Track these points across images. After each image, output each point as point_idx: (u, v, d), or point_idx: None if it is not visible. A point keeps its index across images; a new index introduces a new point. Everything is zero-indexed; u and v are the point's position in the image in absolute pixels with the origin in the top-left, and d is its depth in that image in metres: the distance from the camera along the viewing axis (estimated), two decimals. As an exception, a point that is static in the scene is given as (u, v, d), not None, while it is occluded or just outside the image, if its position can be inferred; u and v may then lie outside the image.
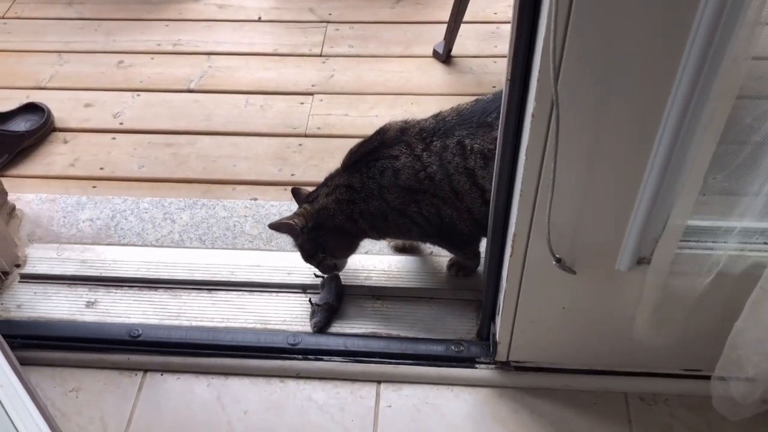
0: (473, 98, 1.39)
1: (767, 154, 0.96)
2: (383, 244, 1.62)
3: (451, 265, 1.54)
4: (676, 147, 0.92)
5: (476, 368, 1.39)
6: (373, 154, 1.36)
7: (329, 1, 2.40)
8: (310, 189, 1.46)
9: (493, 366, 1.38)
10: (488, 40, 2.20)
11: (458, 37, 2.12)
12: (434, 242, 1.49)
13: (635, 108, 0.91)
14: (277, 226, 1.40)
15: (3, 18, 2.35)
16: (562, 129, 0.91)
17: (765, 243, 1.08)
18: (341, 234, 1.41)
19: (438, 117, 1.36)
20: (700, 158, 0.94)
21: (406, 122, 1.38)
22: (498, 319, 1.32)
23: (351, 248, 1.47)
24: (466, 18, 2.07)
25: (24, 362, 1.37)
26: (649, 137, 0.93)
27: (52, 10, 2.38)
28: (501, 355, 1.36)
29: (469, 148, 1.29)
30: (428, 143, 1.32)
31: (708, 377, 1.16)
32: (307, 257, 1.45)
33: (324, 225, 1.39)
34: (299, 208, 1.43)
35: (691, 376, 1.33)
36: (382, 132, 1.38)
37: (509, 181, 1.10)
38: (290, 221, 1.39)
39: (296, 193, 1.48)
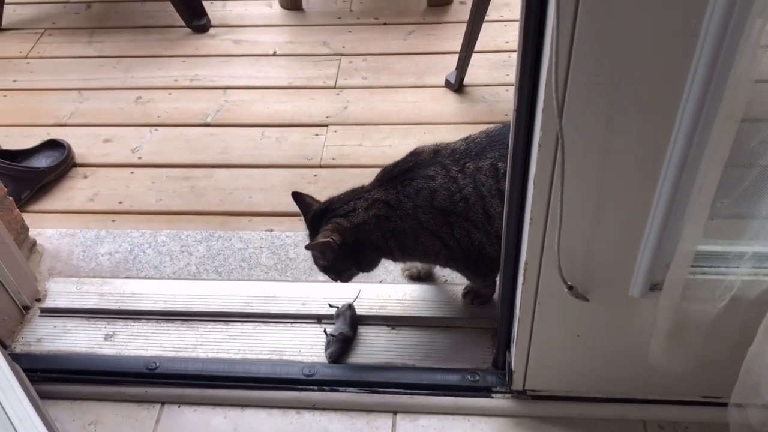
0: (485, 126, 1.40)
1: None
2: (398, 274, 1.62)
3: (467, 293, 1.54)
4: (684, 172, 0.92)
5: (492, 398, 1.38)
6: (408, 173, 1.34)
7: (343, 34, 2.44)
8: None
9: (509, 395, 1.38)
10: (500, 69, 2.22)
11: (470, 67, 2.14)
12: (457, 267, 1.46)
13: (642, 135, 0.92)
14: (314, 247, 1.34)
15: (26, 58, 2.41)
16: (568, 157, 0.92)
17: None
18: (374, 249, 1.38)
19: (468, 140, 1.36)
20: (707, 183, 0.94)
21: (438, 145, 1.37)
22: (513, 348, 1.31)
23: (376, 264, 1.43)
24: (477, 47, 2.10)
25: (43, 396, 1.39)
26: (657, 163, 0.94)
27: (73, 48, 2.44)
28: (517, 384, 1.35)
29: (502, 170, 1.29)
30: (462, 165, 1.32)
31: (727, 405, 1.14)
32: (338, 273, 1.40)
33: (362, 240, 1.35)
34: (331, 222, 1.34)
35: (710, 403, 1.31)
36: (415, 153, 1.37)
37: (519, 209, 1.11)
38: (329, 240, 1.31)
39: (299, 198, 1.43)
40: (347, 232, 1.33)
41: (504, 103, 2.10)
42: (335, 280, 1.44)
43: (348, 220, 1.35)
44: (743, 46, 0.80)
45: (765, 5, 0.76)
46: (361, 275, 1.63)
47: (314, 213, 1.40)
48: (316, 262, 1.43)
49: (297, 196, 1.44)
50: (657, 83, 0.87)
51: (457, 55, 2.13)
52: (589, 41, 0.83)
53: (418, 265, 1.60)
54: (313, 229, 1.39)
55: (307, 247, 1.36)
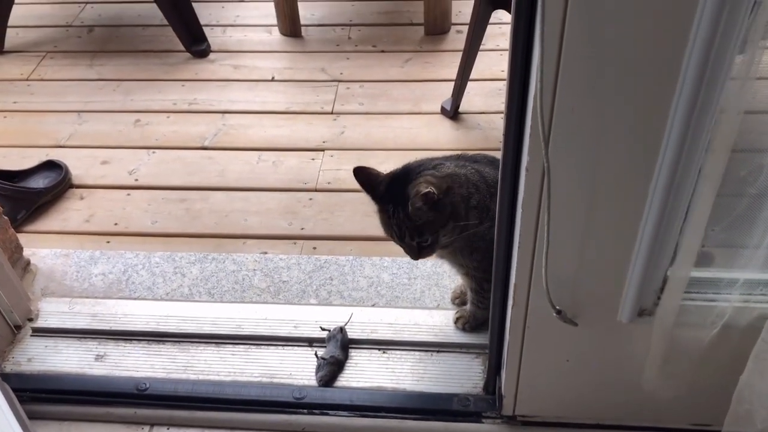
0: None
1: (764, 208, 0.97)
2: (390, 297, 1.63)
3: (458, 318, 1.54)
4: (669, 199, 0.93)
5: (482, 423, 1.37)
6: None
7: (341, 61, 2.47)
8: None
9: (499, 420, 1.37)
10: (495, 97, 2.24)
11: (465, 95, 2.16)
12: (486, 274, 1.31)
13: (628, 162, 0.93)
14: (416, 200, 1.22)
15: (27, 80, 2.44)
16: (555, 182, 0.93)
17: (769, 295, 1.08)
18: (455, 209, 1.26)
19: None
20: (700, 210, 0.96)
21: None
22: (503, 372, 1.31)
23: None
24: (472, 76, 2.12)
25: (32, 416, 1.39)
26: (643, 190, 0.95)
27: (74, 71, 2.47)
28: (507, 409, 1.34)
29: None
30: None
31: (716, 432, 1.14)
32: (434, 231, 1.26)
33: (452, 191, 1.26)
34: (420, 176, 1.25)
35: (699, 431, 1.30)
36: None
37: (509, 232, 1.12)
38: (429, 190, 1.21)
39: (363, 171, 1.33)
40: (441, 182, 1.24)
41: (499, 130, 2.11)
42: (419, 253, 1.30)
43: (437, 171, 1.28)
44: (726, 79, 0.82)
45: (743, 41, 0.78)
46: (352, 298, 1.64)
47: (392, 178, 1.31)
48: (397, 230, 1.28)
49: (360, 170, 1.34)
50: (641, 112, 0.88)
51: (453, 83, 2.16)
52: (573, 70, 0.85)
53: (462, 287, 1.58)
54: (391, 196, 1.29)
55: (412, 203, 1.23)
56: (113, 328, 1.58)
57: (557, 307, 1.08)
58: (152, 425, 1.43)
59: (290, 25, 2.58)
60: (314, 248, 1.80)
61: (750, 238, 1.01)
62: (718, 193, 0.95)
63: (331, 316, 1.56)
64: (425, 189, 1.22)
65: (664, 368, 1.14)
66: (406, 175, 1.31)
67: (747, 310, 1.07)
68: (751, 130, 0.95)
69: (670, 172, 0.90)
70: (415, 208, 1.25)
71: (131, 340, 1.56)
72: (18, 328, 1.58)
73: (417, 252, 1.31)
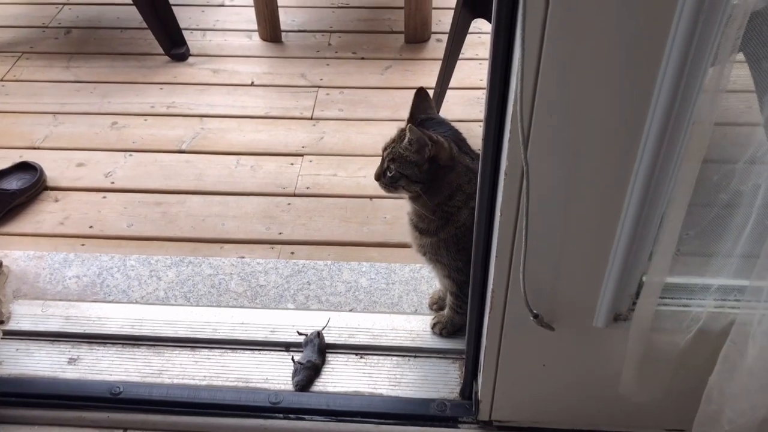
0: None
1: (735, 216, 0.99)
2: (368, 302, 1.62)
3: (435, 323, 1.54)
4: (645, 206, 0.95)
5: (459, 428, 1.38)
6: None
7: (321, 67, 2.47)
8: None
9: (475, 425, 1.37)
10: (474, 105, 2.26)
11: (445, 102, 2.17)
12: (463, 274, 1.35)
13: (605, 168, 0.94)
14: (420, 137, 1.25)
15: (2, 81, 2.41)
16: (534, 186, 0.93)
17: (742, 300, 1.09)
18: (451, 182, 1.30)
19: None
20: (674, 217, 0.97)
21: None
22: (480, 377, 1.31)
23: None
24: (452, 84, 2.13)
25: (2, 420, 1.37)
26: (620, 197, 0.96)
27: (50, 72, 2.44)
28: (483, 414, 1.35)
29: None
30: None
31: (688, 437, 1.15)
32: (409, 183, 1.30)
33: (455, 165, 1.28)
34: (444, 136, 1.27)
35: (673, 436, 1.32)
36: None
37: (487, 236, 1.12)
38: (443, 142, 1.25)
39: (423, 95, 1.34)
40: (445, 146, 1.27)
41: (477, 138, 2.10)
42: (394, 183, 1.33)
43: (462, 148, 1.31)
44: (699, 91, 0.84)
45: (715, 55, 0.80)
46: (330, 303, 1.63)
47: (429, 120, 1.34)
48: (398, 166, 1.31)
49: (422, 92, 1.35)
50: (619, 117, 0.89)
51: (432, 91, 2.17)
52: (552, 75, 0.86)
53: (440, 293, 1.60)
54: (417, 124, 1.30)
55: (412, 130, 1.25)
56: (87, 332, 1.55)
57: (534, 311, 1.08)
58: (125, 429, 1.41)
59: (271, 30, 2.57)
60: (292, 253, 1.80)
61: (723, 245, 1.03)
62: (692, 202, 0.96)
63: (309, 321, 1.55)
64: (432, 140, 1.25)
65: (640, 373, 1.15)
66: (456, 136, 1.33)
67: (722, 316, 1.09)
68: (722, 137, 0.98)
69: (646, 178, 0.92)
70: (407, 144, 1.28)
71: (105, 343, 1.54)
72: (-12, 330, 1.55)
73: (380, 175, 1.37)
